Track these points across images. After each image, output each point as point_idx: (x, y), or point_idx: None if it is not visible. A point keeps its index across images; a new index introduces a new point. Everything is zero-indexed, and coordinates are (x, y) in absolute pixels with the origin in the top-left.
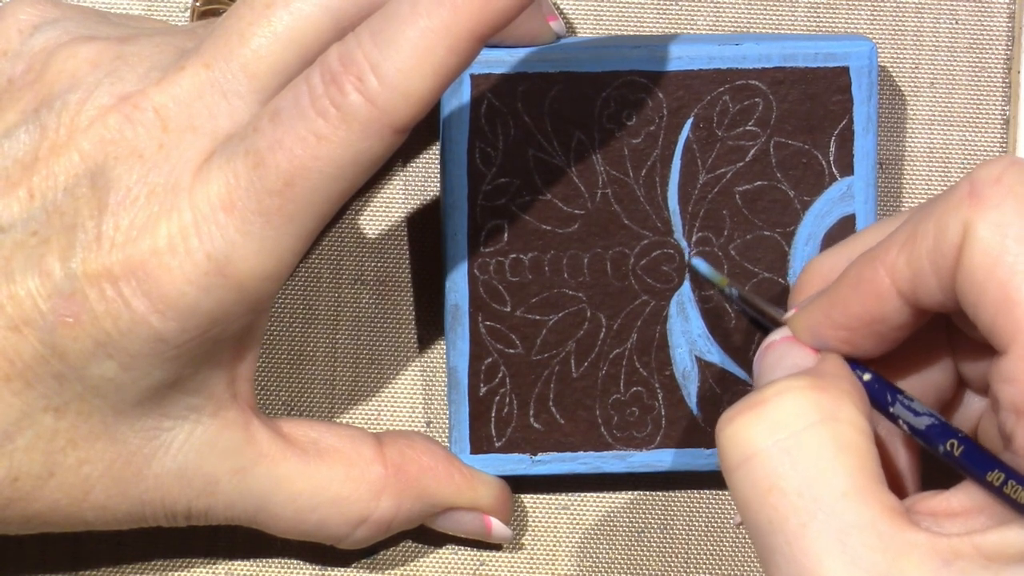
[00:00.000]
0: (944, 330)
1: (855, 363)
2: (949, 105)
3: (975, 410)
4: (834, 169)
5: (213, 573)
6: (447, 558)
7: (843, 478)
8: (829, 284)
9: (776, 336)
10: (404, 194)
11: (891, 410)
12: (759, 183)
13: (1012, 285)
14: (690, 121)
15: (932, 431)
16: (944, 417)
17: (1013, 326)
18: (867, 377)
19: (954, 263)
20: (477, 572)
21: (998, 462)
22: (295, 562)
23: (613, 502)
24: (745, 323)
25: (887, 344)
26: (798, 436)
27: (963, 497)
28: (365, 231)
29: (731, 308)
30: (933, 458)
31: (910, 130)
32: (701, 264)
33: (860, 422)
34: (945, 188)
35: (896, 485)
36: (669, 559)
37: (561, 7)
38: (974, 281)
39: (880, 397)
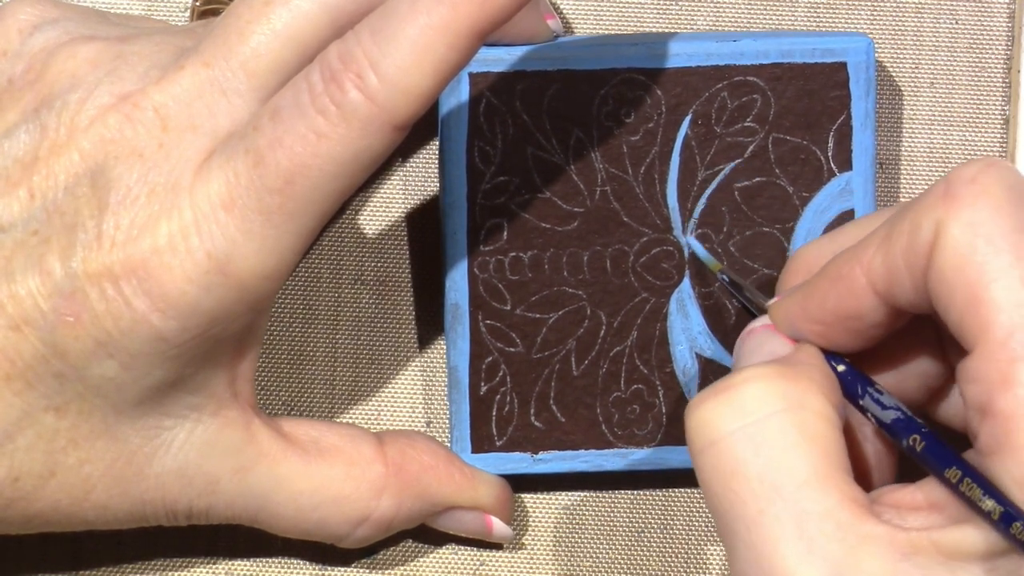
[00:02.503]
0: (933, 324)
1: (831, 355)
2: (949, 105)
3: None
4: (832, 165)
5: (213, 573)
6: (447, 557)
7: (804, 466)
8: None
9: (756, 324)
10: (403, 193)
11: (860, 403)
12: (758, 179)
13: (980, 285)
14: (688, 118)
15: (897, 425)
16: (926, 408)
17: (979, 326)
18: (841, 368)
19: (926, 262)
20: (477, 572)
21: (957, 459)
22: (296, 561)
23: (613, 502)
24: (745, 320)
25: (863, 341)
26: (762, 423)
27: (927, 491)
28: (365, 231)
29: (727, 296)
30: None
31: (910, 129)
32: (698, 246)
33: (826, 411)
34: None
35: (867, 477)
36: (669, 559)
37: (561, 7)
38: (944, 280)
39: (852, 389)
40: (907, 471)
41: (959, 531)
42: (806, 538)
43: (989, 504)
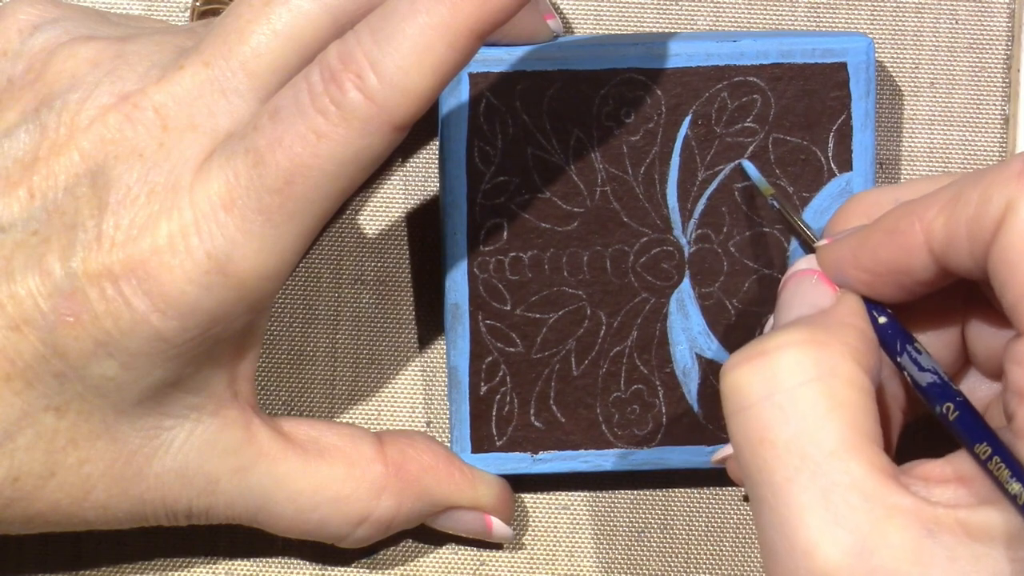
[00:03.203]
0: (960, 302)
1: (874, 304)
2: (949, 104)
3: (981, 395)
4: (833, 165)
5: (213, 573)
6: (447, 557)
7: (833, 436)
8: (867, 222)
9: (803, 265)
10: (404, 194)
11: (898, 359)
12: None
13: None
14: (688, 118)
15: (932, 389)
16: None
17: None
18: (883, 320)
19: (991, 236)
20: (477, 572)
21: (989, 435)
22: (295, 561)
23: (613, 502)
24: (745, 319)
25: (906, 295)
26: (792, 392)
27: (956, 464)
28: (365, 231)
29: (728, 295)
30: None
31: (910, 130)
32: (751, 167)
33: (858, 378)
34: None
35: (890, 443)
36: (669, 559)
37: (561, 7)
38: (1007, 259)
39: (891, 344)
40: (929, 447)
41: (984, 512)
42: (832, 509)
43: (1016, 488)
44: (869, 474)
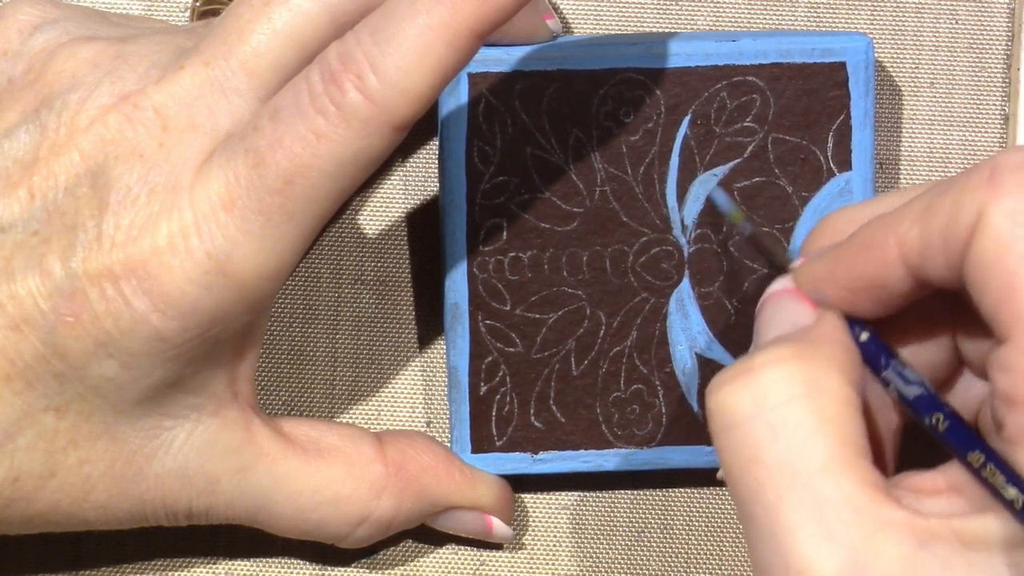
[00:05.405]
0: (948, 305)
1: (855, 321)
2: (949, 104)
3: (976, 393)
4: (832, 164)
5: (213, 573)
6: (447, 558)
7: (822, 452)
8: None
9: (779, 285)
10: (403, 194)
11: (883, 374)
12: (757, 179)
13: (1018, 275)
14: (688, 118)
15: (920, 402)
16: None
17: (1014, 316)
18: (864, 337)
19: (964, 244)
20: (477, 572)
21: (981, 443)
22: (295, 562)
23: (613, 502)
24: (745, 319)
25: (886, 309)
26: (780, 409)
27: (948, 475)
28: (365, 231)
29: (727, 295)
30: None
31: (910, 129)
32: (719, 195)
33: (845, 393)
34: None
35: (881, 450)
36: (669, 559)
37: (561, 7)
38: (982, 266)
39: (874, 360)
40: (922, 456)
41: (980, 520)
42: (824, 525)
43: (1012, 492)
44: (860, 489)
